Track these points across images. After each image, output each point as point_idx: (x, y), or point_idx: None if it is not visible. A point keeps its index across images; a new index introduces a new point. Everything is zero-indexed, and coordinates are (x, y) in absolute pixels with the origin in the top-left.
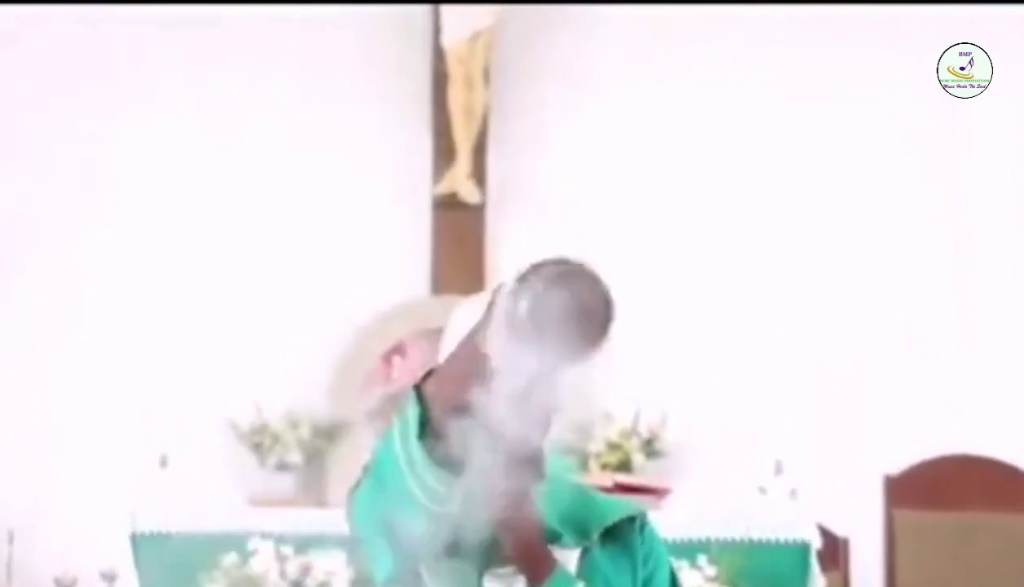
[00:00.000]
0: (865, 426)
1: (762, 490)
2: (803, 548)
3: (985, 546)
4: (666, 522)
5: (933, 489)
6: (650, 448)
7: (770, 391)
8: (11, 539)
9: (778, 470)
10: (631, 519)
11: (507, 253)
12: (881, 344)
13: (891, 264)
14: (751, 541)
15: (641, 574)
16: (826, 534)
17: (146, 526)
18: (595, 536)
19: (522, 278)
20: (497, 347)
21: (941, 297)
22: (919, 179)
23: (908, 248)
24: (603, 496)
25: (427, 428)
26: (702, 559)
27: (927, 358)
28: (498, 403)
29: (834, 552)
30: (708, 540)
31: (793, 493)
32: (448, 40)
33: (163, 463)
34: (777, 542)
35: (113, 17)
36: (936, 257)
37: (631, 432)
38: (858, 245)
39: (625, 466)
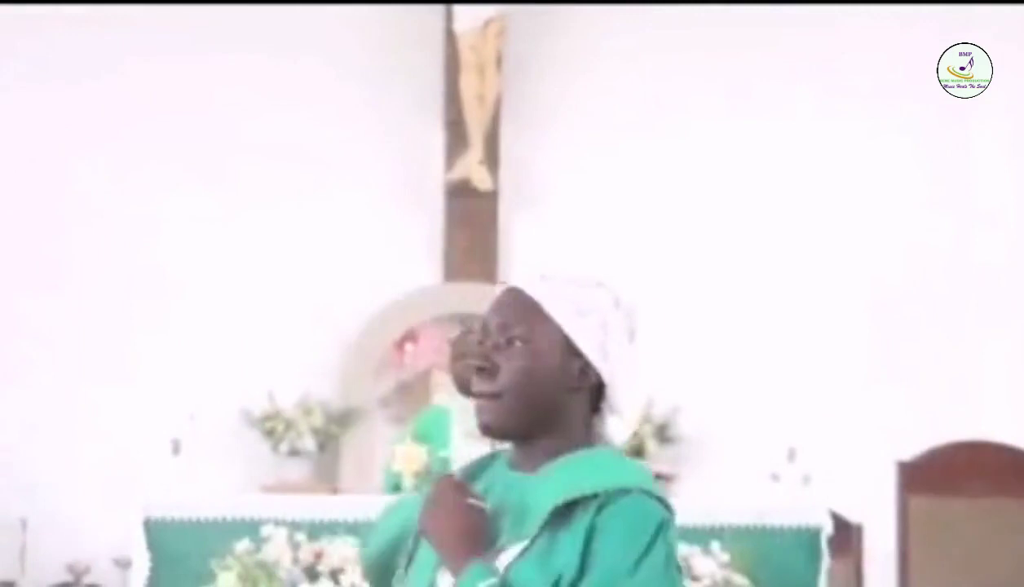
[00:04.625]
0: (878, 412)
1: (775, 476)
2: (816, 534)
3: (1000, 533)
4: (679, 509)
5: (947, 475)
6: (663, 435)
7: (783, 377)
8: (24, 526)
9: (791, 456)
10: (595, 495)
11: (520, 239)
12: (894, 329)
13: (902, 250)
14: (764, 527)
15: (579, 549)
16: (839, 521)
17: (159, 513)
18: (546, 516)
19: None
20: None
21: (954, 283)
22: (928, 168)
23: (918, 233)
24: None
25: None
26: (715, 545)
27: (940, 343)
28: None
29: (847, 539)
30: (721, 527)
31: (806, 479)
32: (460, 27)
33: (175, 449)
34: (790, 528)
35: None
36: (948, 242)
37: (644, 419)
38: (868, 232)
39: (638, 453)
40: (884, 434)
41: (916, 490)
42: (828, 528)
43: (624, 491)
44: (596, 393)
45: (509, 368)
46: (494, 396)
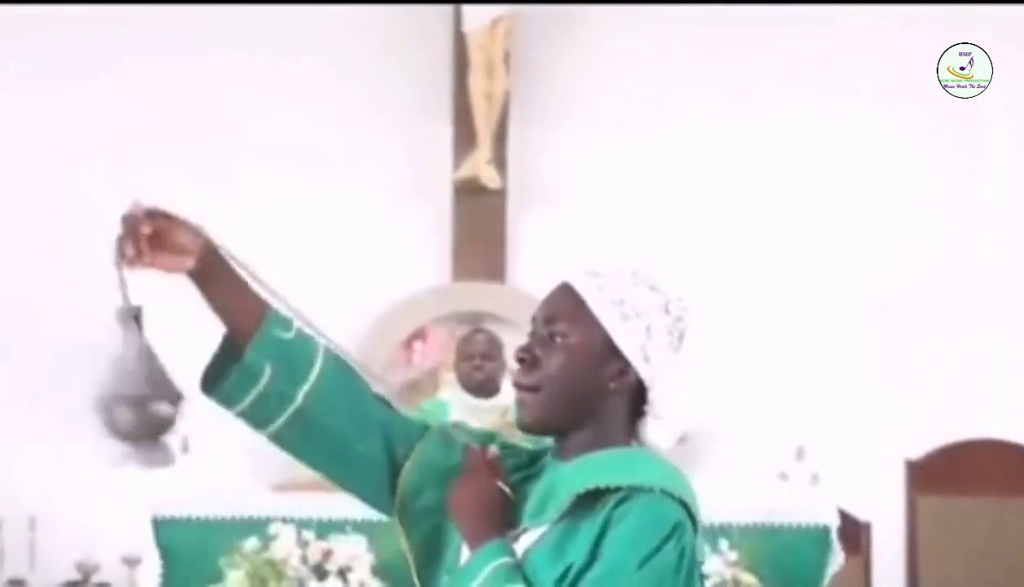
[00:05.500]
0: (886, 411)
1: (783, 475)
2: (824, 532)
3: (1008, 531)
4: None
5: (955, 474)
6: None
7: (791, 376)
8: (33, 525)
9: (799, 455)
10: (616, 489)
11: (528, 238)
12: (901, 328)
13: (911, 249)
14: (772, 526)
15: (592, 540)
16: (848, 519)
17: (167, 511)
18: (567, 504)
19: None
20: None
21: (962, 280)
22: (928, 168)
23: (926, 230)
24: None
25: None
26: (724, 544)
27: (948, 341)
28: None
29: (856, 537)
30: (730, 525)
31: (814, 478)
32: (468, 26)
33: (184, 447)
34: (798, 527)
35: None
36: (956, 240)
37: None
38: (877, 230)
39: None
40: (892, 433)
41: (925, 489)
42: (836, 524)
43: (645, 489)
44: (639, 396)
45: (548, 363)
46: (532, 389)
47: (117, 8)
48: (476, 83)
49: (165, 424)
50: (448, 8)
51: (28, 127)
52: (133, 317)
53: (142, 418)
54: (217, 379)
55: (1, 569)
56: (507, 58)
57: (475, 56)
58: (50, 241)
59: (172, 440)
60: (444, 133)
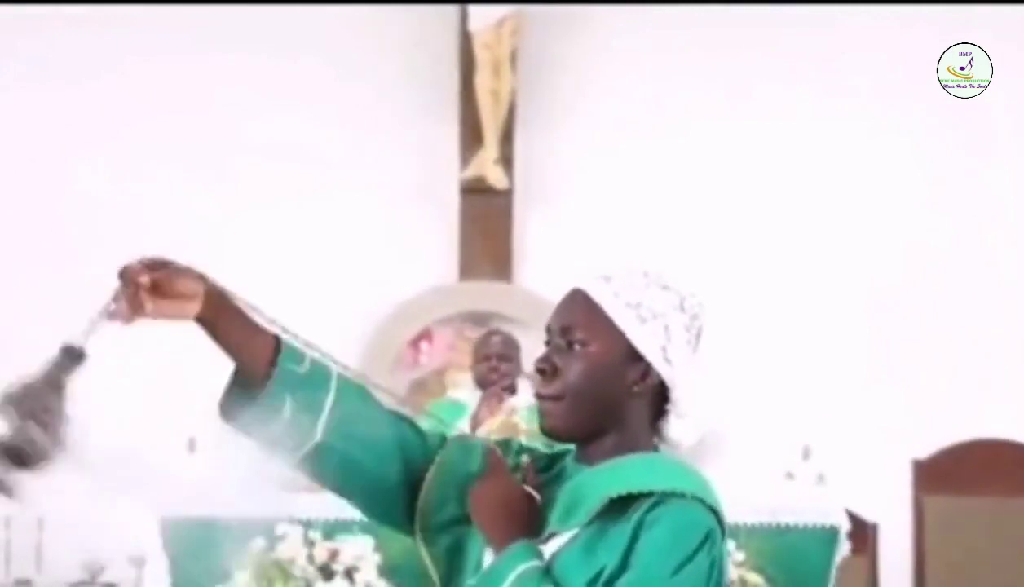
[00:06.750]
0: (893, 410)
1: (790, 475)
2: (831, 533)
3: (1014, 530)
4: None
5: (962, 474)
6: None
7: (798, 376)
8: (40, 525)
9: (806, 455)
10: (649, 494)
11: (535, 238)
12: (907, 327)
13: (918, 249)
14: (778, 526)
15: (625, 545)
16: (855, 519)
17: (174, 512)
18: (598, 507)
19: None
20: None
21: (969, 281)
22: (928, 168)
23: (926, 230)
24: (674, 473)
25: None
26: (730, 544)
27: (954, 341)
28: None
29: (863, 537)
30: (736, 525)
31: (821, 478)
32: (475, 26)
33: (191, 448)
34: (804, 527)
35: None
36: (962, 241)
37: None
38: (877, 230)
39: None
40: (899, 433)
41: (931, 489)
42: (845, 526)
43: (678, 495)
44: (661, 396)
45: (569, 371)
46: (555, 399)
47: (117, 8)
48: (482, 82)
49: (25, 454)
50: (454, 8)
51: (28, 127)
52: (74, 356)
53: (14, 436)
54: (235, 408)
55: (8, 570)
56: (513, 57)
57: (481, 55)
58: (50, 241)
59: (19, 481)
60: (450, 133)
